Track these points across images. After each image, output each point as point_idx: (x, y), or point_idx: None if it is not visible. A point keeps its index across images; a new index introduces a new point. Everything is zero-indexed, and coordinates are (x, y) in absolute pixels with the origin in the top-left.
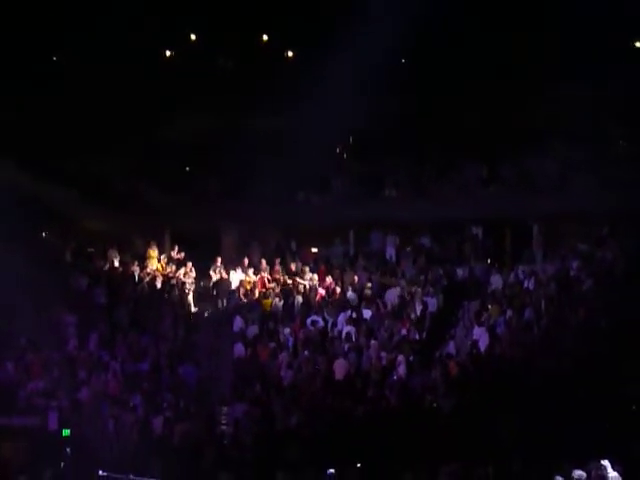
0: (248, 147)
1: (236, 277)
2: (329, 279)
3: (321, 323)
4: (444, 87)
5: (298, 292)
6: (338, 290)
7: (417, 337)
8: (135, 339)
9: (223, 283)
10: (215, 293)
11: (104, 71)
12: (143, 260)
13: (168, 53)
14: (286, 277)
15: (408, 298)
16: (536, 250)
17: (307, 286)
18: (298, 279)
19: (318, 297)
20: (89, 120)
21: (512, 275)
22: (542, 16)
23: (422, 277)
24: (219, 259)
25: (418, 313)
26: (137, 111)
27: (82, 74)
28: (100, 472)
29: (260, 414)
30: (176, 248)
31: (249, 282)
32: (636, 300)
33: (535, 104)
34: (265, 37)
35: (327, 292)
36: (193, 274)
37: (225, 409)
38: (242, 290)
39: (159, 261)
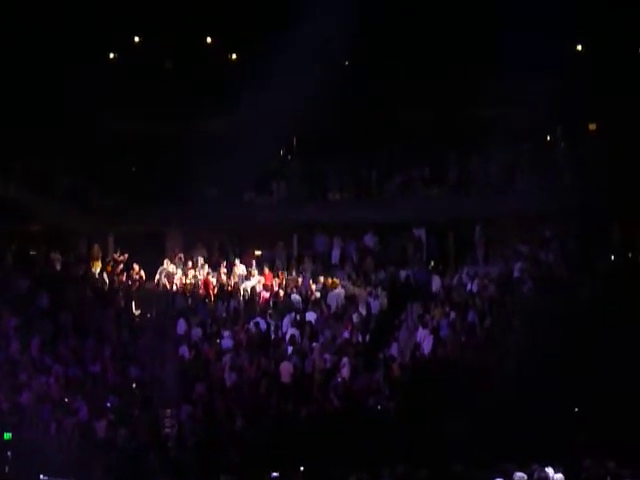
0: (192, 149)
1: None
2: (273, 281)
3: (263, 325)
4: (388, 87)
5: (241, 295)
6: (282, 293)
7: (361, 339)
8: (78, 342)
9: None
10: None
11: (50, 71)
12: (86, 262)
13: (112, 55)
14: (230, 279)
15: (352, 300)
16: (479, 252)
17: (249, 289)
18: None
19: (262, 300)
20: (34, 119)
21: (455, 277)
22: (485, 16)
23: (366, 279)
24: (165, 261)
25: (362, 315)
26: (81, 112)
27: (28, 73)
28: (41, 476)
29: (203, 416)
30: (119, 250)
31: (192, 284)
32: (577, 300)
33: (477, 105)
34: (209, 39)
35: (271, 295)
36: (140, 276)
37: (169, 411)
38: (185, 292)
39: (103, 263)
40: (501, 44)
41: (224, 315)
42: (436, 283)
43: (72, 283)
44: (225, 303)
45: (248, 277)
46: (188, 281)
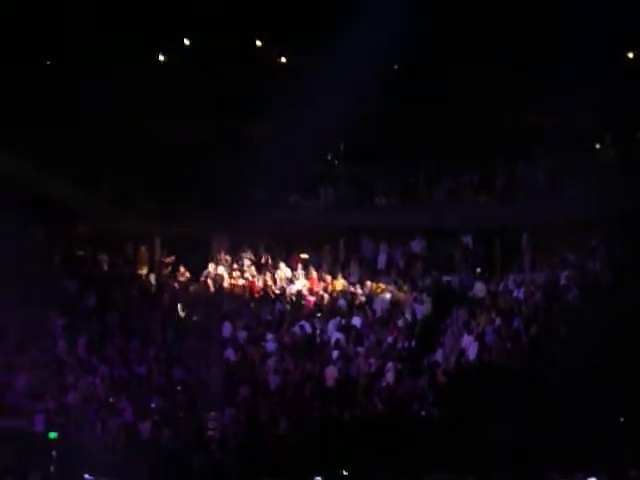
0: (240, 152)
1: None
2: (320, 286)
3: (308, 329)
4: (438, 93)
5: (287, 298)
6: (328, 297)
7: (406, 345)
8: (124, 343)
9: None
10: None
11: (99, 72)
12: (133, 264)
13: (162, 57)
14: (275, 282)
15: (397, 306)
16: (525, 259)
17: (295, 292)
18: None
19: (308, 304)
20: (84, 120)
21: (501, 284)
22: (536, 21)
23: (412, 285)
24: (211, 264)
25: (407, 321)
26: (129, 113)
27: (77, 74)
28: (86, 476)
29: (247, 419)
30: (165, 252)
31: (238, 286)
32: (623, 309)
33: (526, 112)
34: (258, 42)
35: (317, 299)
36: (185, 278)
37: (213, 414)
38: (231, 294)
39: (150, 265)
40: (551, 50)
41: (269, 318)
42: (481, 289)
43: (119, 284)
44: (270, 306)
45: (293, 280)
46: (234, 283)
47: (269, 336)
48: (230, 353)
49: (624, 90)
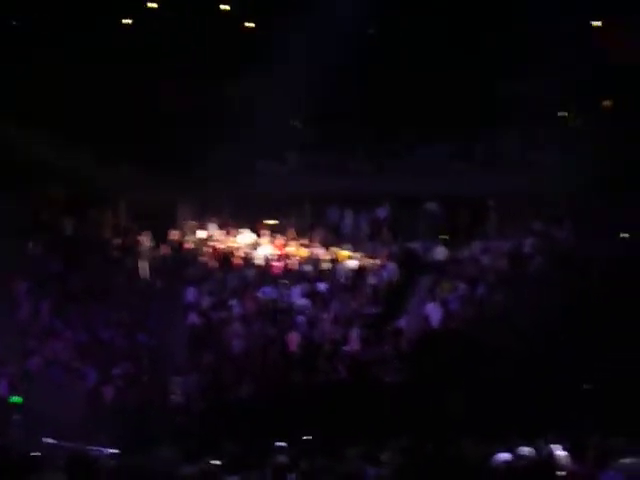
0: (205, 116)
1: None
2: (285, 251)
3: (273, 294)
4: (412, 61)
5: (253, 263)
6: (293, 263)
7: (371, 311)
8: (88, 308)
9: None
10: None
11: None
12: (98, 229)
13: (127, 20)
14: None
15: (363, 272)
16: (490, 227)
17: (259, 258)
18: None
19: (273, 269)
20: (52, 82)
21: (466, 251)
22: None
23: (377, 252)
24: (176, 231)
25: (372, 288)
26: (100, 82)
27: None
28: (48, 440)
29: (211, 384)
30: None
31: (205, 252)
32: (588, 277)
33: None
34: (224, 7)
35: (282, 264)
36: (149, 243)
37: (177, 379)
38: (196, 260)
39: (115, 230)
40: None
41: (234, 283)
42: (445, 256)
43: (83, 248)
44: (235, 272)
45: (258, 246)
46: (199, 248)
47: (234, 301)
48: (194, 318)
49: (590, 58)
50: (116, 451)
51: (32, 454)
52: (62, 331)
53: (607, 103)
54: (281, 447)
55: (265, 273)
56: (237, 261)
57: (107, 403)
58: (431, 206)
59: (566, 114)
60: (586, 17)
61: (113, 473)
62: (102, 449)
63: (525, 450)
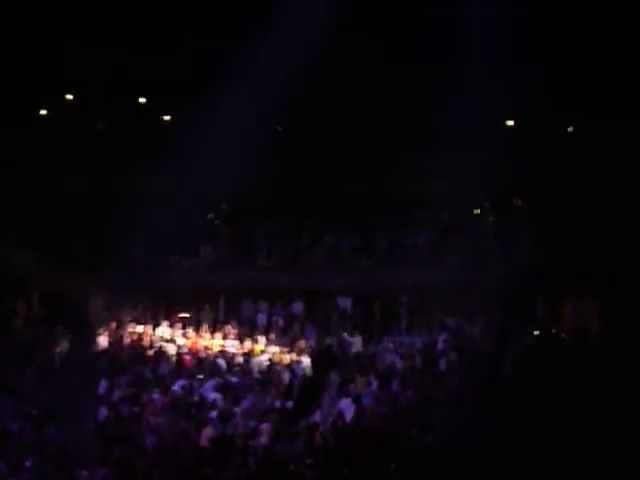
0: (120, 209)
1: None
2: (199, 345)
3: (187, 388)
4: (319, 155)
5: (167, 356)
6: (206, 356)
7: (284, 405)
8: None
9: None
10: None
11: None
12: (9, 317)
13: (44, 112)
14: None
15: (276, 366)
16: (402, 322)
17: (176, 352)
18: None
19: (187, 363)
20: None
21: (380, 347)
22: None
23: (291, 346)
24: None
25: (286, 382)
26: (6, 168)
27: None
28: None
29: (120, 478)
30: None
31: (119, 345)
32: (499, 375)
33: (407, 177)
34: (142, 100)
35: (196, 358)
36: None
37: (85, 473)
38: (108, 353)
39: (25, 320)
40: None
41: (147, 377)
42: (357, 350)
43: None
44: (149, 365)
45: (172, 339)
46: (112, 341)
47: (146, 395)
48: (104, 411)
49: (503, 157)
50: None
51: None
52: None
53: (518, 202)
54: None
55: (179, 366)
56: (151, 354)
57: None
58: (343, 301)
59: (479, 211)
60: (500, 116)
61: None
62: None
63: None
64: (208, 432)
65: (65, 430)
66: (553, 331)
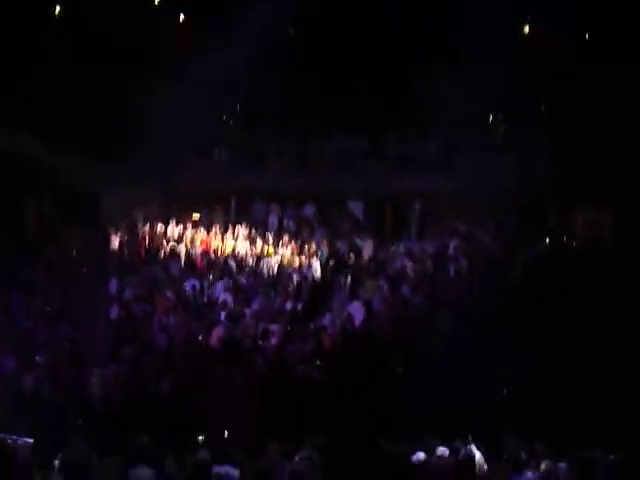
0: (134, 110)
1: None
2: (210, 245)
3: (197, 288)
4: (332, 61)
5: (178, 257)
6: (217, 257)
7: (294, 308)
8: (8, 295)
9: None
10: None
11: None
12: (21, 215)
13: (58, 9)
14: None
15: (287, 269)
16: (415, 228)
17: (187, 251)
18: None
19: (198, 263)
20: None
21: (391, 251)
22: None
23: (302, 248)
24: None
25: (296, 284)
26: (20, 63)
27: None
28: None
29: (130, 376)
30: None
31: (130, 244)
32: (508, 281)
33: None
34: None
35: (207, 258)
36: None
37: (96, 370)
38: (120, 251)
39: (37, 218)
40: (446, 25)
41: (159, 276)
42: (369, 254)
43: (4, 235)
44: (160, 264)
45: (183, 240)
46: (124, 240)
47: (156, 295)
48: (116, 310)
49: (518, 66)
50: (31, 440)
51: None
52: None
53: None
54: (199, 441)
55: (189, 267)
56: (162, 254)
57: (26, 391)
58: (355, 205)
59: (491, 118)
60: (515, 22)
61: (28, 463)
62: (18, 438)
63: (442, 449)
64: (218, 332)
65: (77, 327)
66: (564, 239)
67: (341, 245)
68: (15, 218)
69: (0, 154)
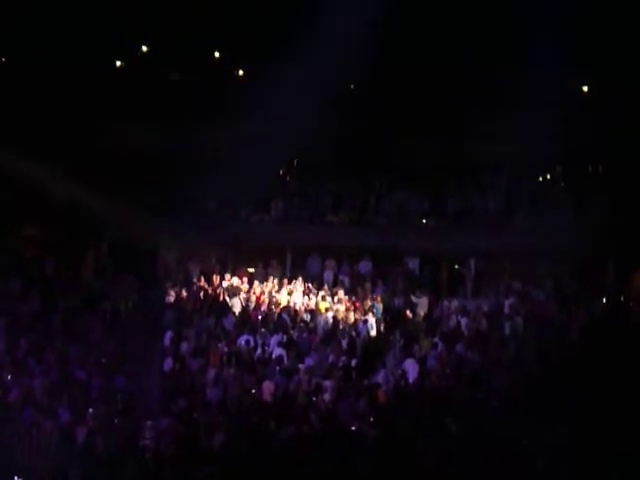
0: (193, 162)
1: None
2: (265, 300)
3: (251, 343)
4: (391, 116)
5: (233, 311)
6: (272, 312)
7: (348, 364)
8: (65, 347)
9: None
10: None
11: (53, 72)
12: (78, 268)
13: (118, 63)
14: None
15: (341, 325)
16: (471, 285)
17: (242, 305)
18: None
19: (252, 317)
20: (31, 122)
21: (446, 309)
22: (490, 51)
23: (357, 305)
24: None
25: (351, 340)
26: (82, 117)
27: (32, 74)
28: (16, 478)
29: (184, 430)
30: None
31: (186, 297)
32: (565, 341)
33: (480, 140)
34: (217, 54)
35: (262, 313)
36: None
37: (149, 423)
38: (178, 305)
39: (95, 270)
40: (505, 80)
41: (213, 330)
42: (424, 311)
43: (64, 288)
44: (215, 318)
45: (238, 293)
46: (180, 293)
47: (210, 348)
48: (170, 363)
49: (577, 123)
50: None
51: None
52: (36, 369)
53: (593, 168)
54: None
55: (244, 320)
56: (217, 307)
57: (79, 444)
58: (411, 262)
59: (549, 176)
60: (575, 81)
61: None
62: None
63: None
64: (271, 387)
65: (132, 380)
66: (622, 300)
67: (397, 302)
68: (74, 271)
69: (58, 207)
